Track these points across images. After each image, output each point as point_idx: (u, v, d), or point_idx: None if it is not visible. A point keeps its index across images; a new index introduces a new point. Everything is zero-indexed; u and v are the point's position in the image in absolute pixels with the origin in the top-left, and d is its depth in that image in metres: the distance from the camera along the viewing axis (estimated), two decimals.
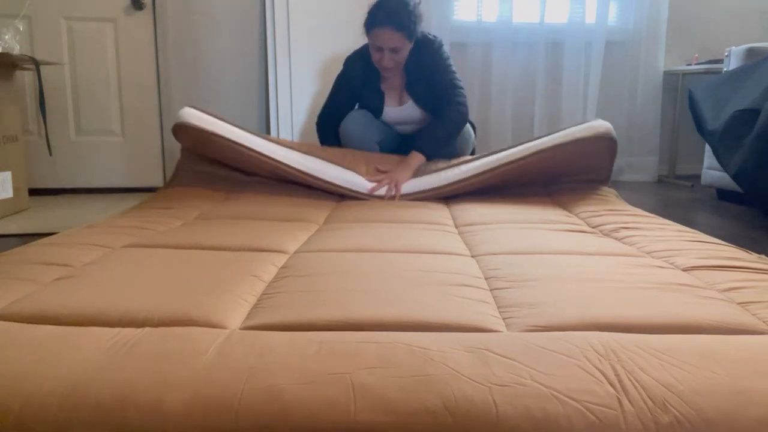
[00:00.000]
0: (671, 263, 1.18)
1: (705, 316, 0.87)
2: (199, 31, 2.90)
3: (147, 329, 0.81)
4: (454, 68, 2.14)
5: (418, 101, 2.20)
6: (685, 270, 1.13)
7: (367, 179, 1.98)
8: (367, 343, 0.75)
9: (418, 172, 2.02)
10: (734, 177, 1.99)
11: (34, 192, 2.70)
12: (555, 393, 0.65)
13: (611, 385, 0.67)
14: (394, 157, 2.14)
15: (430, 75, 2.12)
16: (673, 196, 2.69)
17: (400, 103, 2.24)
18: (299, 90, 2.84)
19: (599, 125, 1.92)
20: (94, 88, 2.83)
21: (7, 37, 2.23)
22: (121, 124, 2.88)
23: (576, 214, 1.74)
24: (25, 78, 2.77)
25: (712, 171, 2.56)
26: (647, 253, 1.27)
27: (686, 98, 2.96)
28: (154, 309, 0.88)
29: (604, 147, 1.93)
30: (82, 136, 2.87)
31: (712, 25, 3.32)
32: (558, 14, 3.19)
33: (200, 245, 1.28)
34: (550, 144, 1.89)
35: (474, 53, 3.16)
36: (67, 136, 2.85)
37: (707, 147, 2.57)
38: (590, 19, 3.17)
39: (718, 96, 2.21)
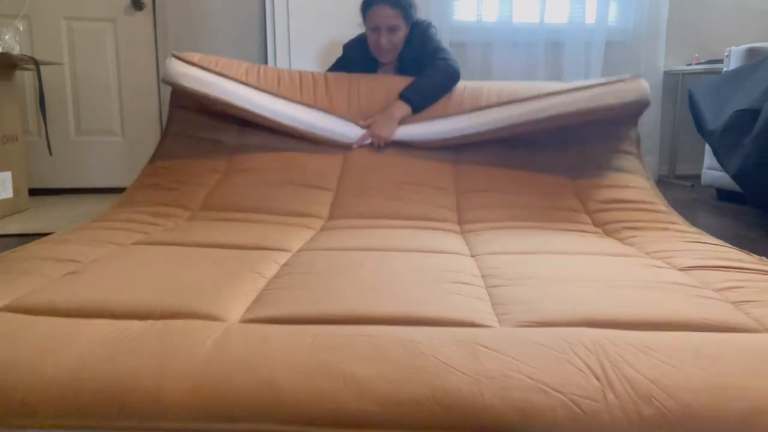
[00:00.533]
0: (669, 263, 1.18)
1: (697, 314, 0.87)
2: (199, 31, 2.90)
3: (149, 322, 0.83)
4: (440, 40, 2.07)
5: None
6: (682, 270, 1.13)
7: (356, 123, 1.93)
8: (359, 336, 0.77)
9: (425, 115, 1.92)
10: (734, 177, 1.99)
11: (34, 192, 2.70)
12: (541, 385, 0.67)
13: (597, 378, 0.68)
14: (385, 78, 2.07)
15: (420, 54, 2.06)
16: (673, 196, 2.69)
17: None
18: None
19: (632, 89, 1.74)
20: (94, 88, 2.83)
21: (7, 37, 2.23)
22: (121, 124, 2.88)
23: (585, 207, 1.69)
24: (25, 78, 2.77)
25: (712, 171, 2.56)
26: (646, 254, 1.26)
27: (686, 98, 2.96)
28: (158, 302, 0.89)
29: (635, 110, 1.80)
30: (82, 136, 2.87)
31: (712, 25, 3.31)
32: (558, 14, 3.19)
33: (206, 243, 1.29)
34: (574, 108, 1.74)
35: (474, 53, 3.16)
36: (67, 136, 2.85)
37: (707, 147, 2.57)
38: (590, 19, 3.16)
39: (718, 96, 2.21)
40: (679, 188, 2.98)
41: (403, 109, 1.90)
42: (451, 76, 1.98)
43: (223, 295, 0.94)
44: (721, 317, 0.86)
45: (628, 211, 1.62)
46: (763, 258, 1.23)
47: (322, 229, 1.52)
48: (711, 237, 1.42)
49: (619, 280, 1.03)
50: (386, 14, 1.95)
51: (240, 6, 2.90)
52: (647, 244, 1.33)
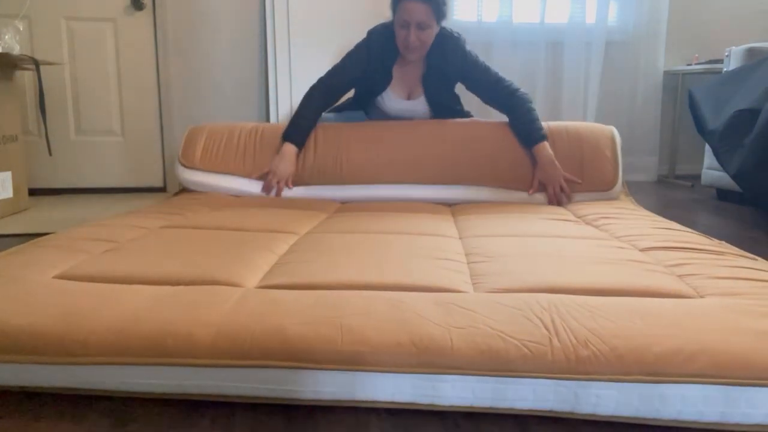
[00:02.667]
0: (633, 245, 1.30)
1: (642, 283, 1.01)
2: (199, 31, 2.90)
3: (180, 287, 1.00)
4: (488, 65, 2.07)
5: (431, 98, 2.11)
6: (642, 250, 1.26)
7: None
8: (354, 297, 0.93)
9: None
10: (734, 177, 1.99)
11: (34, 192, 2.70)
12: (500, 333, 0.81)
13: (546, 329, 0.83)
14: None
15: (456, 76, 2.06)
16: (673, 196, 2.69)
17: (409, 96, 2.13)
18: (299, 89, 2.84)
19: (601, 198, 1.95)
20: (94, 88, 2.83)
21: (7, 37, 2.23)
22: (121, 124, 2.88)
23: (565, 206, 1.86)
24: (25, 78, 2.77)
25: (712, 171, 2.56)
26: (616, 237, 1.39)
27: (686, 98, 2.96)
28: (186, 272, 1.07)
29: None
30: (82, 136, 2.87)
31: (712, 25, 3.31)
32: (558, 14, 3.19)
33: (225, 227, 1.47)
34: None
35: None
36: (67, 136, 2.85)
37: (707, 147, 2.57)
38: (590, 19, 3.17)
39: (718, 96, 2.21)
40: (679, 188, 2.98)
41: (547, 147, 1.93)
42: (532, 103, 2.02)
43: (241, 267, 1.10)
44: (662, 286, 1.00)
45: (607, 207, 1.76)
46: (723, 242, 1.32)
47: (328, 217, 1.66)
48: (682, 226, 1.52)
49: (582, 257, 1.16)
50: (417, 10, 1.88)
51: (240, 6, 2.90)
52: (619, 229, 1.46)
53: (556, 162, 1.91)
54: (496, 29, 3.13)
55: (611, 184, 1.93)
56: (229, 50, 2.93)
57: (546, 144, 1.93)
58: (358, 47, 2.10)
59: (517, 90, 2.02)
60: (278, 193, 2.00)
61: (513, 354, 0.78)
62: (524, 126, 1.97)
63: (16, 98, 2.31)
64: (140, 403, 0.83)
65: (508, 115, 2.04)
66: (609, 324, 0.83)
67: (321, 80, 2.10)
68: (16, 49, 2.25)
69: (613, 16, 3.25)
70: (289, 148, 2.01)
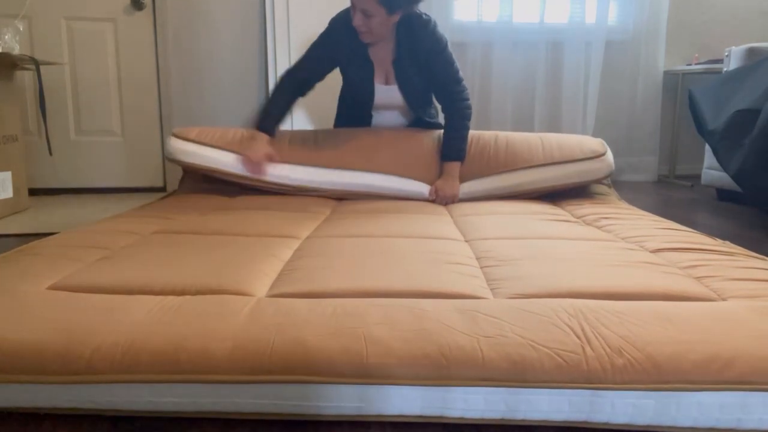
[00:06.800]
0: (641, 246, 1.30)
1: (663, 286, 0.99)
2: (199, 30, 2.90)
3: (186, 297, 0.94)
4: (454, 57, 1.97)
5: (403, 85, 2.00)
6: (652, 251, 1.25)
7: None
8: (373, 306, 0.89)
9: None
10: (734, 177, 1.99)
11: (34, 192, 2.70)
12: (531, 342, 0.79)
13: (577, 336, 0.80)
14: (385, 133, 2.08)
15: (426, 61, 1.94)
16: (673, 196, 2.69)
17: (387, 81, 2.02)
18: None
19: (602, 168, 2.00)
20: (94, 88, 2.83)
21: (7, 37, 2.23)
22: (121, 124, 2.88)
23: (562, 207, 1.86)
24: (25, 78, 2.77)
25: (712, 171, 2.56)
26: (622, 239, 1.38)
27: (686, 98, 2.96)
28: (190, 281, 1.01)
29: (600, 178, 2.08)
30: (82, 136, 2.87)
31: (712, 25, 3.32)
32: (558, 14, 3.19)
33: (222, 232, 1.41)
34: (553, 183, 1.99)
35: (474, 53, 3.16)
36: (67, 136, 2.85)
37: (707, 147, 2.57)
38: (590, 19, 3.17)
39: (718, 96, 2.21)
40: (679, 188, 2.98)
41: (457, 166, 2.01)
42: (469, 119, 2.04)
43: (247, 274, 1.05)
44: (684, 289, 0.98)
45: (604, 207, 1.79)
46: (726, 242, 1.33)
47: (325, 220, 1.63)
48: (680, 225, 1.52)
49: (596, 260, 1.14)
50: None
51: (240, 6, 2.90)
52: (623, 230, 1.45)
53: (457, 184, 1.99)
54: (496, 29, 3.13)
55: (600, 153, 2.00)
56: (229, 50, 2.93)
57: (458, 164, 2.00)
58: (320, 37, 2.00)
59: (463, 100, 2.00)
60: (260, 171, 1.93)
61: (547, 364, 0.75)
62: (451, 141, 2.01)
63: (16, 98, 2.31)
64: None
65: (444, 120, 2.06)
66: (640, 330, 0.81)
67: (289, 71, 2.01)
68: (16, 49, 2.25)
69: (613, 16, 3.25)
70: (260, 135, 1.94)
